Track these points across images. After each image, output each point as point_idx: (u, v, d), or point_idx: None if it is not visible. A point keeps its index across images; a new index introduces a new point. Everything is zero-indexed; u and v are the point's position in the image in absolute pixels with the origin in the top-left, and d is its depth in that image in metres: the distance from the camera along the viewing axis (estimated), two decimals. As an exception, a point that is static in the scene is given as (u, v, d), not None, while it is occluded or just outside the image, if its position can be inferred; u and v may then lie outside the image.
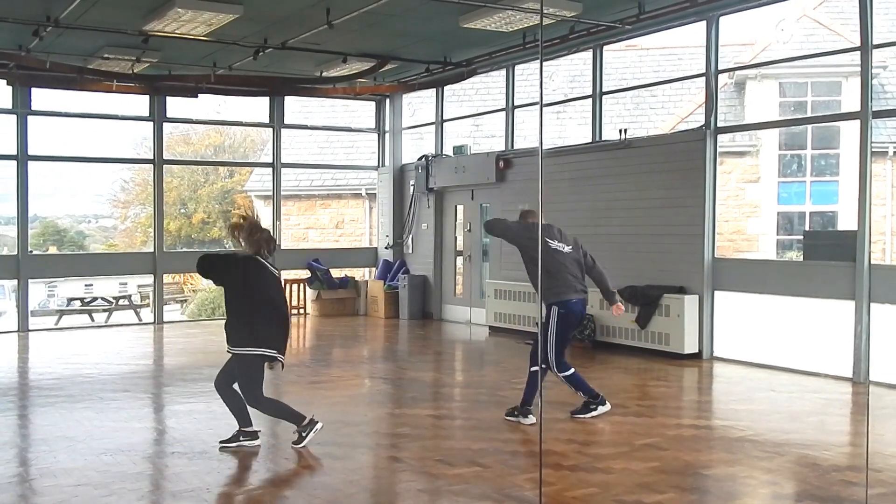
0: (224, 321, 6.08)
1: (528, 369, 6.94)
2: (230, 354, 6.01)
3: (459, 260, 14.00)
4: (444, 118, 14.42)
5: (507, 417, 6.86)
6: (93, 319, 17.01)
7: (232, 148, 27.71)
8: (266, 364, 5.99)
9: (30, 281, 13.02)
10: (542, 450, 5.75)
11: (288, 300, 6.64)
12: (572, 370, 6.94)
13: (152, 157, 13.83)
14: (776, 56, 15.22)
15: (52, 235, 26.79)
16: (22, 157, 12.57)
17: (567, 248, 6.94)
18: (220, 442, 6.01)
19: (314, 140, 19.95)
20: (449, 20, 9.90)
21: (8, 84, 12.23)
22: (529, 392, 6.78)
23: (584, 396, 6.97)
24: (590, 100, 11.51)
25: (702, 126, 10.06)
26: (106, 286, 21.02)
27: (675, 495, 5.00)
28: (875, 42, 8.45)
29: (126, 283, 21.17)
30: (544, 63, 12.75)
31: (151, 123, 13.60)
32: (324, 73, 12.69)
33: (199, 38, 10.19)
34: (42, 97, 13.01)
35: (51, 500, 4.88)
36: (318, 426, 6.06)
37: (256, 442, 6.06)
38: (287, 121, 14.95)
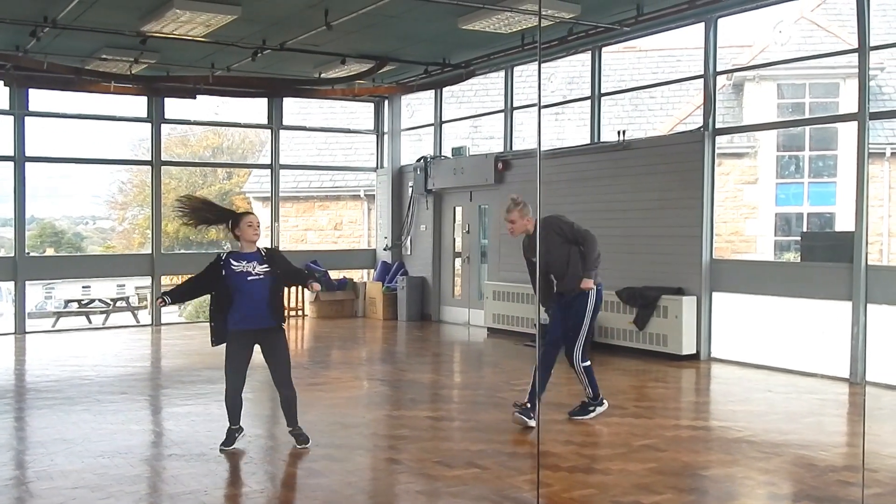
0: (279, 303, 6.19)
1: (532, 370, 6.88)
2: (242, 352, 5.99)
3: (458, 261, 13.99)
4: (443, 119, 14.41)
5: (518, 414, 6.67)
6: (90, 321, 16.97)
7: (230, 149, 27.66)
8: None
9: (27, 283, 13.01)
10: (539, 451, 5.75)
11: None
12: (589, 362, 6.95)
13: (150, 159, 13.82)
14: (774, 58, 15.25)
15: (50, 237, 26.71)
16: (19, 159, 12.55)
17: None
18: (221, 446, 6.01)
19: (313, 141, 19.92)
20: (447, 21, 9.91)
21: (5, 85, 12.22)
22: (535, 392, 6.69)
23: (590, 395, 6.96)
24: (588, 101, 11.52)
25: (700, 127, 10.07)
26: (103, 288, 20.98)
27: (672, 496, 5.00)
28: (872, 44, 8.45)
29: (124, 285, 21.16)
30: (543, 64, 12.78)
31: (149, 125, 13.59)
32: (322, 75, 12.68)
33: (197, 39, 10.19)
34: (39, 98, 13.00)
35: (48, 503, 4.88)
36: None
37: (244, 431, 6.15)
38: (285, 122, 14.94)
